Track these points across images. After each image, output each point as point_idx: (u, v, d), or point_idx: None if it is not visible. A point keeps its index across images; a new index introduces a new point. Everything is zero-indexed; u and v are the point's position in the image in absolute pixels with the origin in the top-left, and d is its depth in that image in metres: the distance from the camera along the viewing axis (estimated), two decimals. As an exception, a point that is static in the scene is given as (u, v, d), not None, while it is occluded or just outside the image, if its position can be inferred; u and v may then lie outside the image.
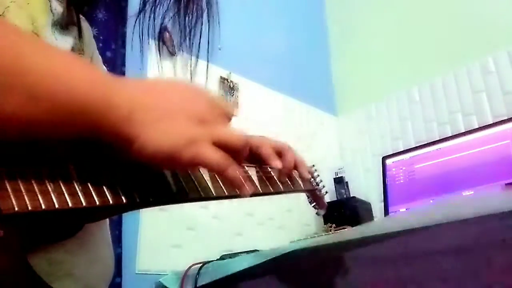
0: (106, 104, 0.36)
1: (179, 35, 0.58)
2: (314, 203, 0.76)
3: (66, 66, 0.36)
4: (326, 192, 0.78)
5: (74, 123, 0.35)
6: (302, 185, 0.67)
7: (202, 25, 0.59)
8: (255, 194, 0.56)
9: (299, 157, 0.68)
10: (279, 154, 0.65)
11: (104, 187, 0.37)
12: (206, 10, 0.59)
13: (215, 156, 0.39)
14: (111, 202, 0.37)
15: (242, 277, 1.06)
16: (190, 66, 0.62)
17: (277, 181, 0.62)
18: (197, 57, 0.61)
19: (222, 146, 0.40)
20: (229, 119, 0.45)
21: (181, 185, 0.43)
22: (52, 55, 0.36)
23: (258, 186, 0.57)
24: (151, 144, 0.37)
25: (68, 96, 0.34)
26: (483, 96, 1.72)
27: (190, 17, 0.58)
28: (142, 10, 0.58)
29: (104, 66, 0.69)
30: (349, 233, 1.03)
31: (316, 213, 0.79)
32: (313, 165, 0.76)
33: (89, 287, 0.47)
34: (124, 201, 0.38)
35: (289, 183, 0.65)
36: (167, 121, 0.38)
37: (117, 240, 1.29)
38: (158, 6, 0.58)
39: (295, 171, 0.67)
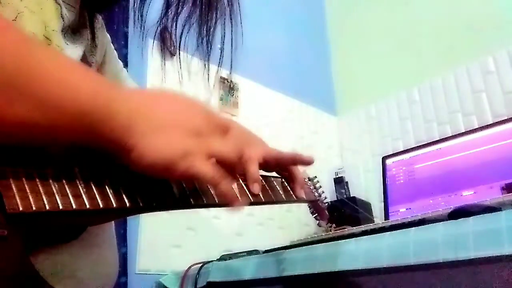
0: (107, 112, 0.37)
1: (197, 37, 0.58)
2: (316, 214, 0.76)
3: (71, 74, 0.37)
4: (327, 204, 0.77)
5: (76, 130, 0.36)
6: (304, 196, 0.67)
7: (225, 27, 0.60)
8: (257, 203, 0.57)
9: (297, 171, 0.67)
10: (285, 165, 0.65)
11: (108, 190, 0.38)
12: (228, 10, 0.59)
13: (208, 169, 0.40)
14: (114, 205, 0.37)
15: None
16: (208, 71, 0.62)
17: (280, 190, 0.62)
18: (222, 59, 0.61)
19: (217, 159, 0.42)
20: (225, 132, 0.45)
21: (184, 191, 0.43)
22: (58, 62, 0.37)
23: (261, 195, 0.57)
24: (148, 155, 0.38)
25: (72, 104, 0.35)
26: (483, 96, 1.72)
27: (211, 19, 0.59)
28: (164, 16, 0.58)
29: (119, 61, 0.69)
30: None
31: (318, 224, 0.79)
32: (315, 176, 0.76)
33: None
34: (128, 205, 0.38)
35: (292, 193, 0.65)
36: (165, 132, 0.39)
37: (122, 239, 1.29)
38: (180, 12, 0.58)
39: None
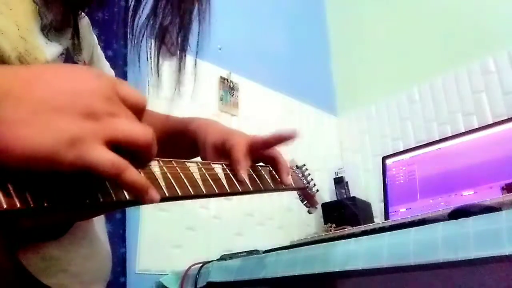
0: None
1: (174, 33, 0.58)
2: (306, 201, 0.77)
3: None
4: (317, 190, 0.78)
5: None
6: (292, 184, 0.67)
7: (200, 23, 0.59)
8: (246, 192, 0.55)
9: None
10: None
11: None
12: (196, 6, 0.59)
13: (104, 157, 0.32)
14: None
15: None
16: (194, 67, 0.62)
17: (268, 179, 0.62)
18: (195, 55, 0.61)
19: (121, 144, 0.34)
20: (139, 111, 0.37)
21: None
22: None
23: (249, 184, 0.56)
24: (21, 147, 0.30)
25: None
26: (483, 96, 1.72)
27: (183, 14, 0.58)
28: (137, 6, 0.57)
29: (107, 61, 0.69)
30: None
31: (308, 211, 0.79)
32: (304, 164, 0.77)
33: (85, 283, 0.47)
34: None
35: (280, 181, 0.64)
36: (44, 117, 0.31)
37: (122, 239, 1.29)
38: (159, 3, 0.57)
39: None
